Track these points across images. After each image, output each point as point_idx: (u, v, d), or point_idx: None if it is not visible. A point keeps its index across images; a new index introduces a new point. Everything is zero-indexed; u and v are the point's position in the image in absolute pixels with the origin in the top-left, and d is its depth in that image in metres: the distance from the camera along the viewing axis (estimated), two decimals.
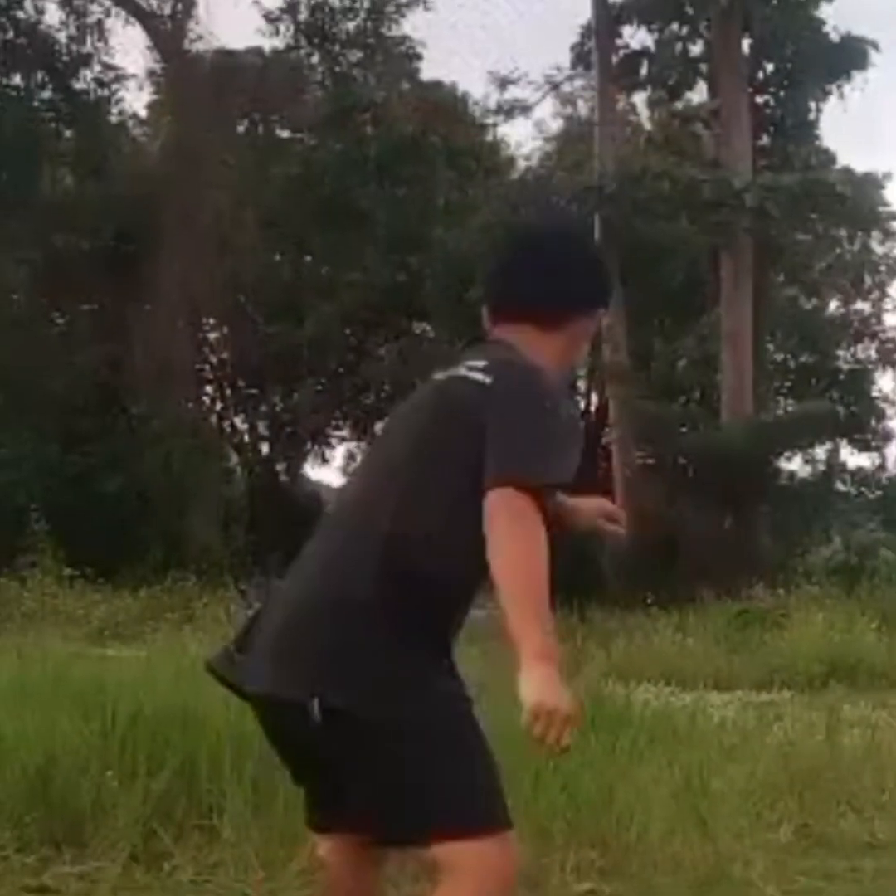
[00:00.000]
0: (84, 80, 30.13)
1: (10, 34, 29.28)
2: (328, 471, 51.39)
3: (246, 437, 33.60)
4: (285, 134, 32.59)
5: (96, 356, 28.47)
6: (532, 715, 2.75)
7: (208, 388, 32.90)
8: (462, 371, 3.14)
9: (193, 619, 18.06)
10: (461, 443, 3.02)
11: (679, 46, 28.07)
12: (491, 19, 40.82)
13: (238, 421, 33.46)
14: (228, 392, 33.17)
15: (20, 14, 29.35)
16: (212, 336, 33.07)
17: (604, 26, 27.94)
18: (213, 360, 32.99)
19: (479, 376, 3.09)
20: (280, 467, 33.37)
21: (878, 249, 36.43)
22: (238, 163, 30.46)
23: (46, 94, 30.09)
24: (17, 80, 29.69)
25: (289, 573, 3.18)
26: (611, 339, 26.88)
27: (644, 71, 28.34)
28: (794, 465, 31.22)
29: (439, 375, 3.24)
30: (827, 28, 27.20)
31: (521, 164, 35.56)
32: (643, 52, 28.25)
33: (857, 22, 36.41)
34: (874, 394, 34.13)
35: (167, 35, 29.95)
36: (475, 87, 46.34)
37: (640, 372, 28.12)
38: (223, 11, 47.65)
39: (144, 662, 7.62)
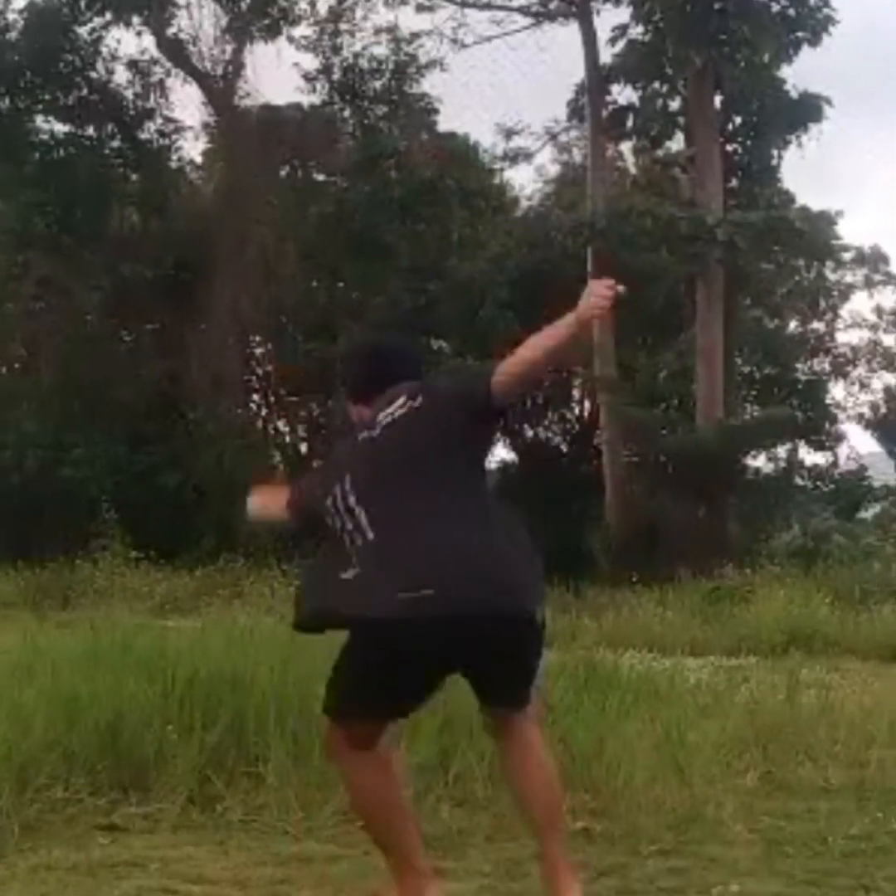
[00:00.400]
0: (148, 131, 30.18)
1: (84, 91, 29.36)
2: None
3: (287, 439, 33.55)
4: (321, 178, 32.48)
5: (158, 369, 28.50)
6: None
7: (255, 397, 32.86)
8: (398, 411, 3.81)
9: (242, 596, 18.13)
10: (453, 430, 3.74)
11: (660, 102, 27.95)
12: (498, 79, 40.51)
13: (280, 424, 33.41)
14: (272, 400, 33.13)
15: (93, 74, 29.44)
16: (258, 351, 33.03)
17: (595, 84, 27.88)
18: (259, 372, 32.97)
19: (413, 403, 3.81)
20: (316, 465, 33.31)
21: (831, 277, 36.61)
22: (280, 203, 30.45)
23: (115, 144, 30.10)
24: (90, 131, 29.76)
25: (405, 526, 3.71)
26: (601, 353, 26.83)
27: (630, 123, 28.22)
28: (759, 462, 31.15)
29: (379, 420, 3.86)
30: (787, 86, 27.02)
31: (524, 203, 35.43)
32: (629, 107, 28.13)
33: (813, 81, 36.03)
34: (828, 401, 34.21)
35: (220, 92, 29.98)
36: (485, 137, 46.44)
37: (626, 382, 28.05)
38: (268, 72, 47.49)
39: (200, 632, 7.64)
